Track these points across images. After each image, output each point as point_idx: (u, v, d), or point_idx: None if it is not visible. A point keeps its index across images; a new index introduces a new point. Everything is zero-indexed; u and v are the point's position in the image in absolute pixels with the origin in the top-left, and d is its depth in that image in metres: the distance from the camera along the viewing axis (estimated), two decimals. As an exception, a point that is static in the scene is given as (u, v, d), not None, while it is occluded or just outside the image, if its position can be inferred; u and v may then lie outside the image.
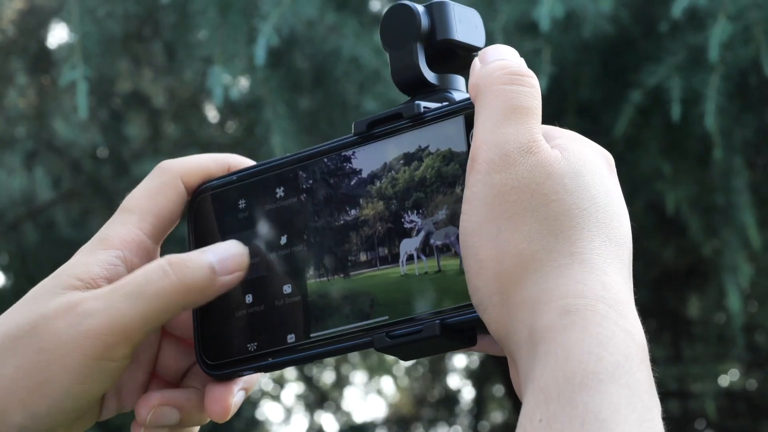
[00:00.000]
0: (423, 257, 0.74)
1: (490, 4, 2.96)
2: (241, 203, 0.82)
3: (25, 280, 4.85)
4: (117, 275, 0.77)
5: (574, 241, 0.65)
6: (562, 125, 0.73)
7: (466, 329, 0.72)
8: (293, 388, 7.54)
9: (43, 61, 4.33)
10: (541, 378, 0.61)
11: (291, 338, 0.78)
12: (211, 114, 4.99)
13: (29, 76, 4.38)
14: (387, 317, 0.74)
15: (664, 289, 5.06)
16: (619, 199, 0.69)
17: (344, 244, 0.77)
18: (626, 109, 3.02)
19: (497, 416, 7.34)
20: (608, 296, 0.63)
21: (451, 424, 7.12)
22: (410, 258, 0.74)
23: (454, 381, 7.47)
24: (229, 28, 2.96)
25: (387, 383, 7.93)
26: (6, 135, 4.40)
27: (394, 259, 0.75)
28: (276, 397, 7.48)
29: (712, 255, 3.68)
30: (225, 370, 0.80)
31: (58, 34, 4.90)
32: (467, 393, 7.23)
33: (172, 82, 4.58)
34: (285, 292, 0.79)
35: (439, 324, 0.71)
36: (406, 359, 0.75)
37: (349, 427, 6.97)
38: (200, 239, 0.83)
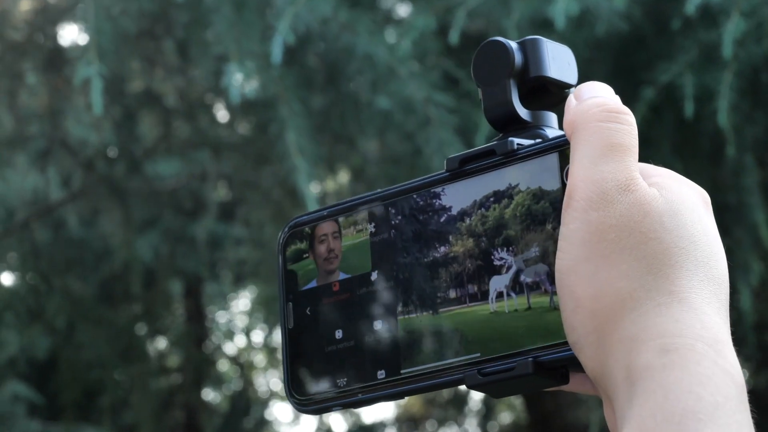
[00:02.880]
0: (513, 294, 0.74)
1: (504, 2, 2.97)
2: (332, 238, 0.82)
3: (36, 280, 4.86)
4: None
5: (672, 280, 0.65)
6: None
7: (558, 367, 0.72)
8: (302, 389, 7.53)
9: (55, 59, 4.34)
10: (639, 417, 0.61)
11: (381, 374, 0.78)
12: (221, 114, 5.00)
13: (41, 75, 4.39)
14: (479, 354, 0.74)
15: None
16: (716, 238, 0.69)
17: (433, 280, 0.77)
18: (639, 106, 3.02)
19: (506, 417, 7.34)
20: (707, 336, 0.63)
21: (460, 424, 7.13)
22: (500, 295, 0.74)
23: (463, 381, 7.46)
24: (244, 26, 2.96)
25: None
26: (18, 134, 4.41)
27: (483, 296, 0.75)
28: (285, 398, 7.48)
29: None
30: (314, 406, 0.81)
31: (70, 33, 4.91)
32: (476, 393, 7.23)
33: (183, 81, 4.58)
34: (375, 328, 0.79)
35: (532, 362, 0.71)
36: (497, 396, 0.76)
37: (358, 428, 6.97)
38: (290, 275, 0.84)
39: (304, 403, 0.81)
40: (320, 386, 0.81)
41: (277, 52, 2.76)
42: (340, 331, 0.80)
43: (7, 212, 4.44)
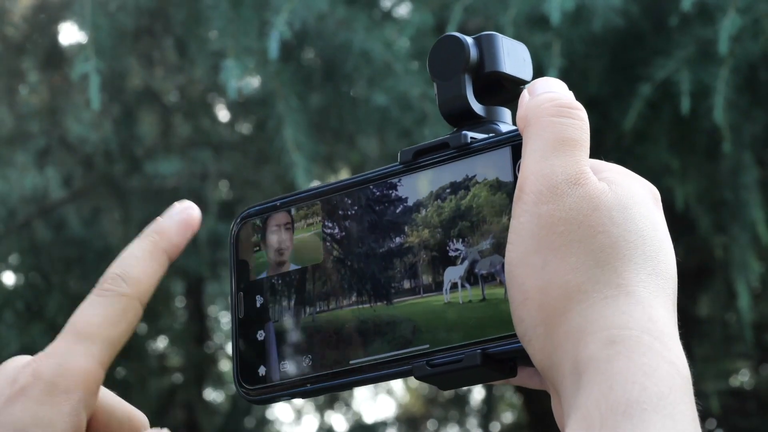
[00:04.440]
0: (467, 285, 0.74)
1: (501, -3, 2.98)
2: (284, 229, 0.82)
3: (36, 279, 4.87)
4: (79, 426, 0.73)
5: (620, 273, 0.66)
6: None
7: (507, 360, 0.72)
8: (303, 389, 7.54)
9: (54, 57, 4.35)
10: (584, 407, 0.62)
11: (330, 365, 0.78)
12: (222, 113, 5.01)
13: (41, 73, 4.40)
14: (428, 345, 0.74)
15: (674, 287, 5.04)
16: (665, 233, 0.69)
17: (388, 271, 0.77)
18: (635, 102, 3.02)
19: (507, 416, 7.34)
20: (653, 328, 0.64)
21: (461, 424, 7.13)
22: (454, 286, 0.74)
23: (464, 381, 7.45)
24: (241, 22, 2.97)
25: (397, 383, 7.94)
26: (18, 132, 4.42)
27: (437, 287, 0.75)
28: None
29: (721, 252, 3.68)
30: (263, 395, 0.80)
31: (69, 31, 4.92)
32: (477, 393, 7.23)
33: (183, 80, 4.59)
34: (325, 319, 0.79)
35: (480, 353, 0.71)
36: (444, 389, 0.75)
37: (359, 427, 6.97)
38: (242, 265, 0.83)
39: (253, 393, 0.81)
40: (269, 376, 0.80)
41: (273, 47, 2.77)
42: (292, 320, 0.80)
43: (8, 211, 4.45)
